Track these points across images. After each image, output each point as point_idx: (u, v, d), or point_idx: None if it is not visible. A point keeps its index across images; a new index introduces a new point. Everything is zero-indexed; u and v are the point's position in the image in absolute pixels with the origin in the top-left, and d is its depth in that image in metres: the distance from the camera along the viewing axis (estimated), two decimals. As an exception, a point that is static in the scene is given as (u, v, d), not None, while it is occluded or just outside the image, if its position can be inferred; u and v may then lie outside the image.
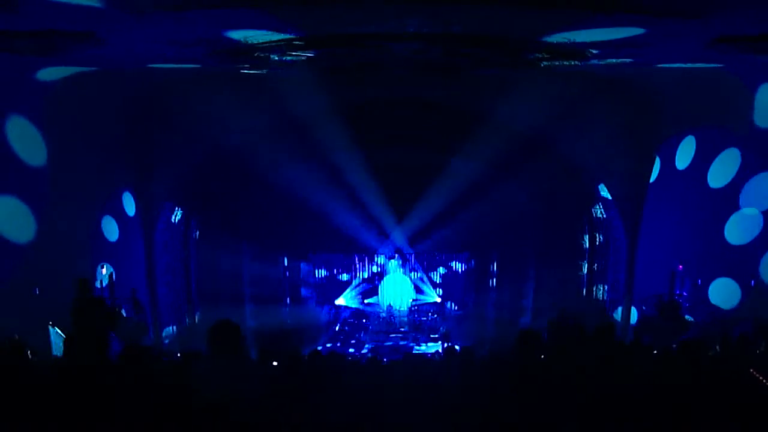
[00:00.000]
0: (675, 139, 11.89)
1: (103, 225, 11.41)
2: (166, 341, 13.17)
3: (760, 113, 9.72)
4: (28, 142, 9.37)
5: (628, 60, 9.52)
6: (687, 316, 10.61)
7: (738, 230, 10.24)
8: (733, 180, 10.40)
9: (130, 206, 12.36)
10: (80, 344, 5.64)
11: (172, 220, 13.96)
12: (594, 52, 8.88)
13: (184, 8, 6.60)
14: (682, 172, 11.76)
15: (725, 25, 7.13)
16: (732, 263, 10.32)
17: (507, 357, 5.92)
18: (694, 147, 11.45)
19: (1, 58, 8.11)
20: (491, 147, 12.89)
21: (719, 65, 9.60)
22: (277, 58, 9.24)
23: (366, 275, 17.69)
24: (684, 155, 11.71)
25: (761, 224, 9.82)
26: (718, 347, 6.95)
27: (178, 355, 8.56)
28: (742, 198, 10.20)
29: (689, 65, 9.82)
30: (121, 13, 6.54)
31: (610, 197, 13.82)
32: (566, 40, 8.24)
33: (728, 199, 10.46)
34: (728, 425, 4.04)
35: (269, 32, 7.80)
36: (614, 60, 9.51)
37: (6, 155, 9.01)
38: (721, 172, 10.70)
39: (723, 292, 10.43)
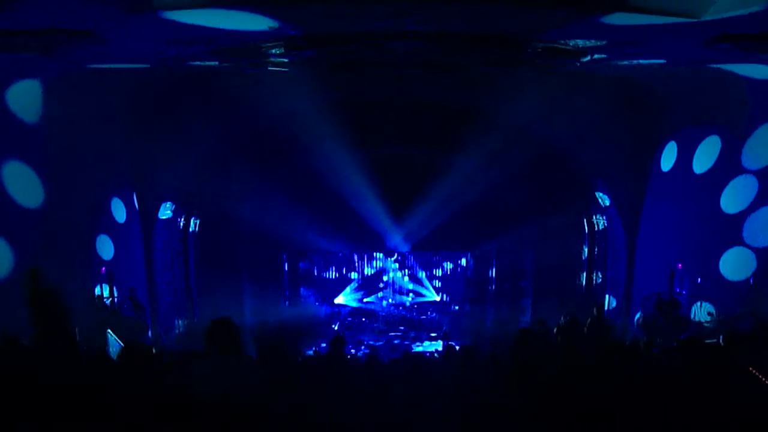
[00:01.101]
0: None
1: (102, 223, 11.41)
2: (165, 340, 13.16)
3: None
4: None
5: (626, 61, 9.51)
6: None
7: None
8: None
9: (129, 204, 12.35)
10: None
11: (171, 218, 13.94)
12: (593, 52, 8.88)
13: (183, 7, 6.59)
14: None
15: (725, 24, 7.12)
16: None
17: (506, 356, 5.93)
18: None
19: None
20: (490, 146, 12.88)
21: (718, 65, 9.61)
22: (276, 57, 9.23)
23: (365, 274, 17.69)
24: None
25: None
26: (718, 346, 6.95)
27: (178, 353, 8.55)
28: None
29: (688, 65, 9.84)
30: (120, 12, 6.52)
31: (609, 195, 13.83)
32: (564, 40, 8.23)
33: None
34: (728, 425, 4.04)
35: (268, 31, 7.79)
36: (613, 60, 9.50)
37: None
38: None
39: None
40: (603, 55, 9.13)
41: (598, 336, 5.77)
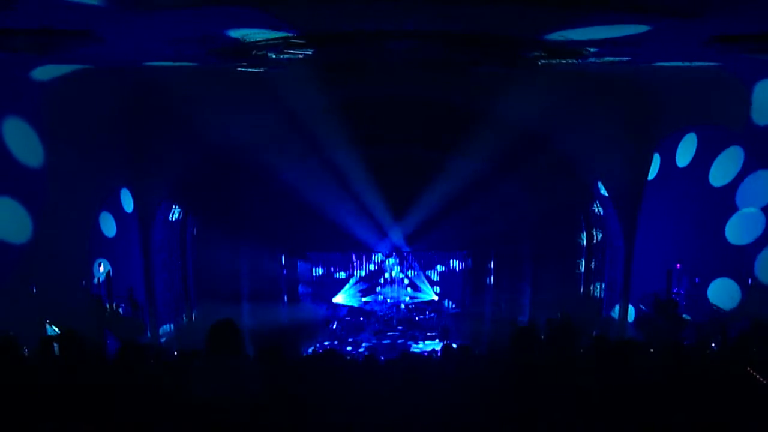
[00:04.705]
0: (674, 137, 11.91)
1: (100, 222, 11.39)
2: (163, 339, 13.15)
3: (758, 111, 9.75)
4: (24, 142, 9.34)
5: (626, 59, 9.52)
6: (685, 315, 10.64)
7: (738, 230, 10.22)
8: (735, 179, 10.38)
9: (128, 203, 12.35)
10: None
11: (170, 218, 13.93)
12: (592, 50, 8.88)
13: (182, 6, 6.58)
14: (682, 169, 11.76)
15: (723, 24, 7.13)
16: (732, 263, 10.31)
17: (504, 355, 5.92)
18: (696, 145, 11.42)
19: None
20: (489, 145, 12.88)
21: (717, 63, 9.61)
22: (275, 56, 9.22)
23: (363, 273, 17.68)
24: (685, 153, 11.70)
25: (762, 224, 9.82)
26: (715, 346, 6.97)
27: (175, 353, 8.55)
28: (739, 196, 10.25)
29: (687, 64, 9.84)
30: (120, 11, 6.51)
31: (607, 195, 13.84)
32: (564, 39, 8.23)
33: (729, 198, 10.46)
34: (726, 424, 4.05)
35: (267, 30, 7.78)
36: (612, 58, 9.50)
37: (2, 155, 8.98)
38: (722, 170, 10.66)
39: (722, 293, 10.43)
40: (602, 55, 9.14)
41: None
